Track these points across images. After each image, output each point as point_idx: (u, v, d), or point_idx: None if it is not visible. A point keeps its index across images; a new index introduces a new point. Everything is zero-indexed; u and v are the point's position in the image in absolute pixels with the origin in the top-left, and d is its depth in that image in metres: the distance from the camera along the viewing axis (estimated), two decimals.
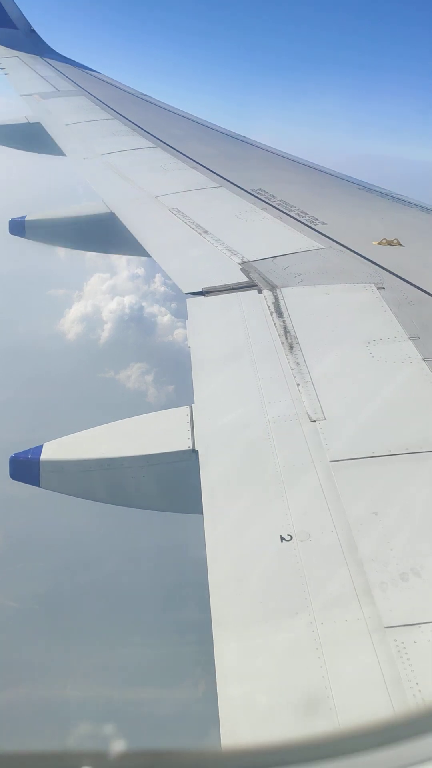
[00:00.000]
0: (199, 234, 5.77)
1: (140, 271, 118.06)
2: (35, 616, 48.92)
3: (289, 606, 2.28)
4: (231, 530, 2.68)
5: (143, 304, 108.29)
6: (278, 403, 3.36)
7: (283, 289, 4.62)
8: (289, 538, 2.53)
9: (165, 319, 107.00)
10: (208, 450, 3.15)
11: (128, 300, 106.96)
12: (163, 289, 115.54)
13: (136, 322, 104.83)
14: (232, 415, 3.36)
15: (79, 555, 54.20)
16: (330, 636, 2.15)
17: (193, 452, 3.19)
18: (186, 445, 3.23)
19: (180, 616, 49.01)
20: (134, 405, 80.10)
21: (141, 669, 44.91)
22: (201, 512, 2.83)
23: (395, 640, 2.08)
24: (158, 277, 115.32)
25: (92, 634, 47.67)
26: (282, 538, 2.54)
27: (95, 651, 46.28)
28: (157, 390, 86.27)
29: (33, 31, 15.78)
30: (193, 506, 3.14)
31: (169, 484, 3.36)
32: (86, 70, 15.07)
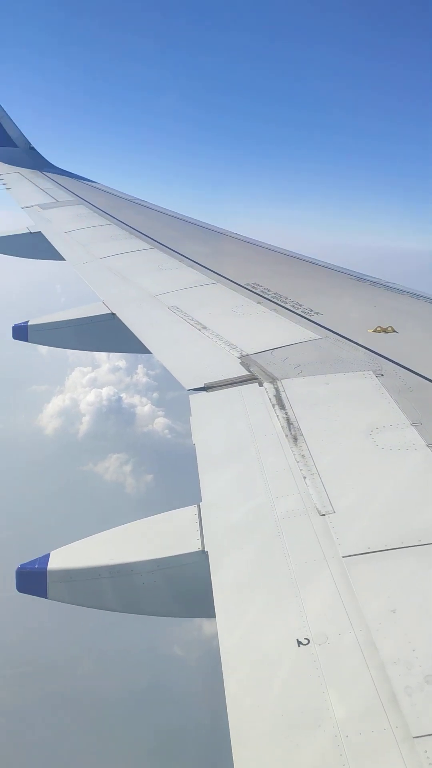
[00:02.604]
0: (199, 330, 5.92)
1: (122, 363, 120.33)
2: None
3: (311, 717, 2.18)
4: (245, 635, 2.59)
5: (122, 395, 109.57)
6: (286, 498, 3.33)
7: (283, 381, 4.69)
8: (306, 641, 2.45)
9: (145, 409, 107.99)
10: (218, 550, 3.09)
11: (106, 392, 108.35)
12: (144, 379, 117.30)
13: (115, 413, 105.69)
14: (240, 513, 3.33)
15: (47, 660, 51.55)
16: (356, 749, 2.04)
17: (203, 553, 3.13)
18: (195, 546, 3.17)
19: (155, 723, 46.14)
20: (113, 497, 79.55)
21: None
22: (213, 616, 2.76)
23: (425, 751, 1.97)
24: (140, 368, 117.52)
25: (59, 748, 44.52)
26: (299, 642, 2.45)
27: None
28: (136, 480, 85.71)
29: (32, 148, 16.86)
30: (204, 610, 3.05)
31: (180, 588, 3.28)
32: (83, 181, 15.94)
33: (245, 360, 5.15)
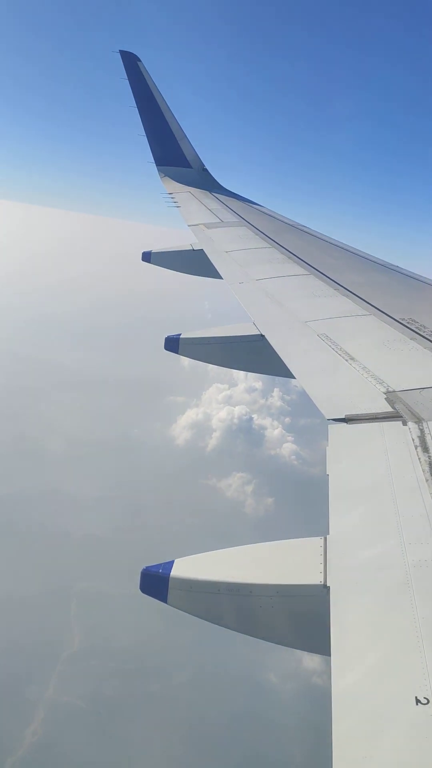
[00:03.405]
0: (346, 360, 5.83)
1: (258, 384, 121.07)
2: (96, 719, 47.72)
3: None
4: (360, 681, 2.48)
5: (254, 416, 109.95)
6: (420, 546, 3.16)
7: (429, 423, 4.48)
8: (425, 701, 2.30)
9: (275, 432, 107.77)
10: (340, 588, 3.00)
11: (239, 410, 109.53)
12: (279, 403, 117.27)
13: (244, 433, 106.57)
14: (368, 553, 3.20)
15: (152, 661, 52.77)
16: None
17: (325, 588, 3.06)
18: (318, 580, 3.11)
19: (241, 746, 45.38)
20: (231, 514, 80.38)
21: None
22: (326, 653, 2.67)
23: None
24: (276, 392, 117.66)
25: (147, 745, 45.38)
26: (417, 701, 2.31)
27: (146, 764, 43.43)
28: (256, 501, 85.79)
29: (205, 169, 17.59)
30: (318, 646, 2.96)
31: (296, 618, 3.22)
32: (249, 203, 16.36)
33: (391, 396, 4.98)
